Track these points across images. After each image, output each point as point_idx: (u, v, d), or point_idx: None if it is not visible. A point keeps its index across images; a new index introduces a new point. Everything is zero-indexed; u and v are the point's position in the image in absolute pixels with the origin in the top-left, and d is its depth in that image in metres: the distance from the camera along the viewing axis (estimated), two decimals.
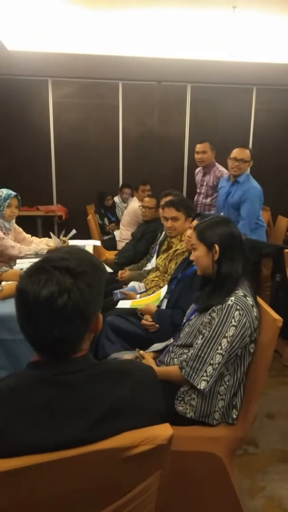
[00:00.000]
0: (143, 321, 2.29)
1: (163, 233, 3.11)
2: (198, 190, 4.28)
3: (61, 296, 0.84)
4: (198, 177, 4.31)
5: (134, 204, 4.80)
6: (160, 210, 2.93)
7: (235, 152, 3.55)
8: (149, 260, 3.37)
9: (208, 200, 4.17)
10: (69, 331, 0.88)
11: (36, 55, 5.60)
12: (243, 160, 3.49)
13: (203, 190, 4.21)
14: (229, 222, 1.69)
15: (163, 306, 2.37)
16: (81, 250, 0.97)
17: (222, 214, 3.59)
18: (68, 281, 0.86)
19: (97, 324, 0.94)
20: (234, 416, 1.62)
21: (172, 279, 2.47)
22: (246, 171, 3.56)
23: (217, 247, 1.63)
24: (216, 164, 4.20)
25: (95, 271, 0.92)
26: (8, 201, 2.96)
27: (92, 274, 0.91)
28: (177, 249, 2.69)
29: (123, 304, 2.52)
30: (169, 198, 3.01)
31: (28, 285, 0.85)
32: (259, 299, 1.68)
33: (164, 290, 2.48)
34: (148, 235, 3.76)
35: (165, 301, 2.39)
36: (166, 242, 2.97)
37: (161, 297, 2.44)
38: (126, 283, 3.15)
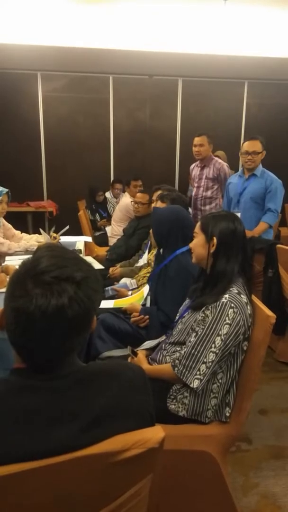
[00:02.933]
0: (133, 318, 2.27)
1: None
2: (196, 184, 4.24)
3: (70, 306, 0.80)
4: (195, 171, 4.27)
5: (126, 199, 4.76)
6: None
7: (246, 146, 3.49)
8: (141, 256, 3.35)
9: (209, 192, 4.14)
10: (79, 340, 0.86)
11: (25, 48, 5.52)
12: (255, 152, 3.44)
13: (202, 183, 4.17)
14: (236, 219, 1.67)
15: (148, 304, 2.35)
16: (68, 251, 0.92)
17: (236, 209, 3.59)
18: (74, 290, 0.81)
19: (93, 325, 0.91)
20: (227, 414, 1.60)
21: (149, 276, 2.47)
22: (260, 163, 3.53)
23: (215, 240, 1.61)
24: (214, 157, 4.17)
25: (94, 272, 0.89)
26: (0, 197, 2.93)
27: (93, 277, 0.87)
28: None
29: (105, 304, 2.50)
30: (159, 192, 3.04)
31: (30, 302, 0.79)
32: (252, 296, 1.67)
33: (146, 289, 2.46)
34: (140, 231, 3.73)
35: (149, 298, 2.38)
36: None
37: (144, 295, 2.42)
38: (118, 280, 3.12)
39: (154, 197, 3.22)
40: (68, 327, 0.82)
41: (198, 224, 1.72)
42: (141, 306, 2.32)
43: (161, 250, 2.27)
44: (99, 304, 0.90)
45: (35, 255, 0.87)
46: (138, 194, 3.85)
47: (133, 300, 2.47)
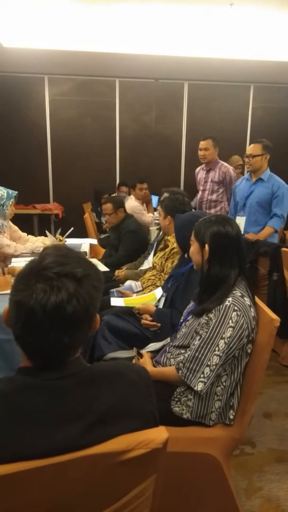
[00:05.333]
0: (144, 321, 2.27)
1: (162, 231, 3.10)
2: (201, 188, 4.25)
3: (70, 302, 0.82)
4: (201, 175, 4.28)
5: (131, 202, 4.78)
6: None
7: (247, 149, 3.62)
8: (146, 257, 3.35)
9: (214, 196, 4.15)
10: (78, 337, 0.87)
11: (32, 52, 5.57)
12: (251, 155, 3.50)
13: (207, 187, 4.18)
14: (227, 222, 1.66)
15: (161, 305, 2.36)
16: (73, 251, 0.93)
17: (241, 212, 3.62)
18: (75, 286, 0.83)
19: (96, 325, 0.93)
20: (231, 417, 1.61)
21: (168, 277, 2.47)
22: (263, 165, 3.55)
23: (207, 247, 1.62)
24: (220, 161, 4.18)
25: (96, 271, 0.91)
26: (11, 200, 2.96)
27: (94, 275, 0.89)
28: (174, 248, 2.68)
29: (116, 302, 2.49)
30: (164, 195, 3.08)
31: (31, 296, 0.81)
32: (257, 299, 1.67)
33: (158, 291, 2.47)
34: (125, 236, 3.66)
35: (163, 299, 2.38)
36: (162, 241, 2.96)
37: (157, 297, 2.42)
38: (123, 282, 3.13)
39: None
40: (68, 322, 0.83)
41: (193, 231, 1.73)
42: (155, 307, 2.32)
43: (186, 255, 2.26)
44: (99, 303, 0.91)
45: (41, 253, 0.90)
46: (103, 206, 3.76)
47: (143, 300, 2.47)
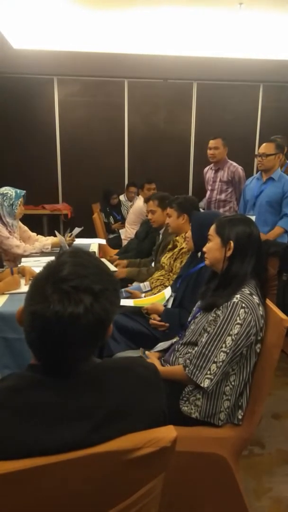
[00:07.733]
0: (152, 321, 2.28)
1: (161, 234, 3.12)
2: (210, 187, 4.23)
3: (85, 317, 0.81)
4: (209, 174, 4.27)
5: (140, 202, 4.78)
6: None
7: (260, 148, 3.58)
8: (150, 263, 3.37)
9: (223, 196, 4.13)
10: (91, 347, 0.88)
11: (42, 53, 5.60)
12: (264, 154, 3.47)
13: (216, 186, 4.16)
14: (252, 223, 1.67)
15: (169, 305, 2.36)
16: (91, 257, 0.92)
17: (251, 211, 3.59)
18: (91, 301, 0.82)
19: (108, 332, 0.92)
20: (240, 417, 1.60)
21: (177, 277, 2.46)
22: (275, 165, 3.51)
23: (232, 244, 1.62)
24: (229, 160, 4.17)
25: (114, 285, 0.89)
26: (20, 199, 2.98)
27: (112, 289, 0.88)
28: (182, 248, 2.67)
29: (125, 302, 2.50)
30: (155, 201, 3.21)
31: (48, 308, 0.80)
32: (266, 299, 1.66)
33: (167, 291, 2.47)
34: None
35: (171, 299, 2.37)
36: (171, 241, 2.95)
37: (166, 297, 2.42)
38: (131, 282, 3.13)
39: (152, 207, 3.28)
40: (82, 335, 0.83)
41: (213, 227, 1.71)
42: (164, 306, 2.32)
43: (199, 254, 2.25)
44: (115, 315, 0.91)
45: (59, 259, 0.88)
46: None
47: (152, 300, 2.47)
